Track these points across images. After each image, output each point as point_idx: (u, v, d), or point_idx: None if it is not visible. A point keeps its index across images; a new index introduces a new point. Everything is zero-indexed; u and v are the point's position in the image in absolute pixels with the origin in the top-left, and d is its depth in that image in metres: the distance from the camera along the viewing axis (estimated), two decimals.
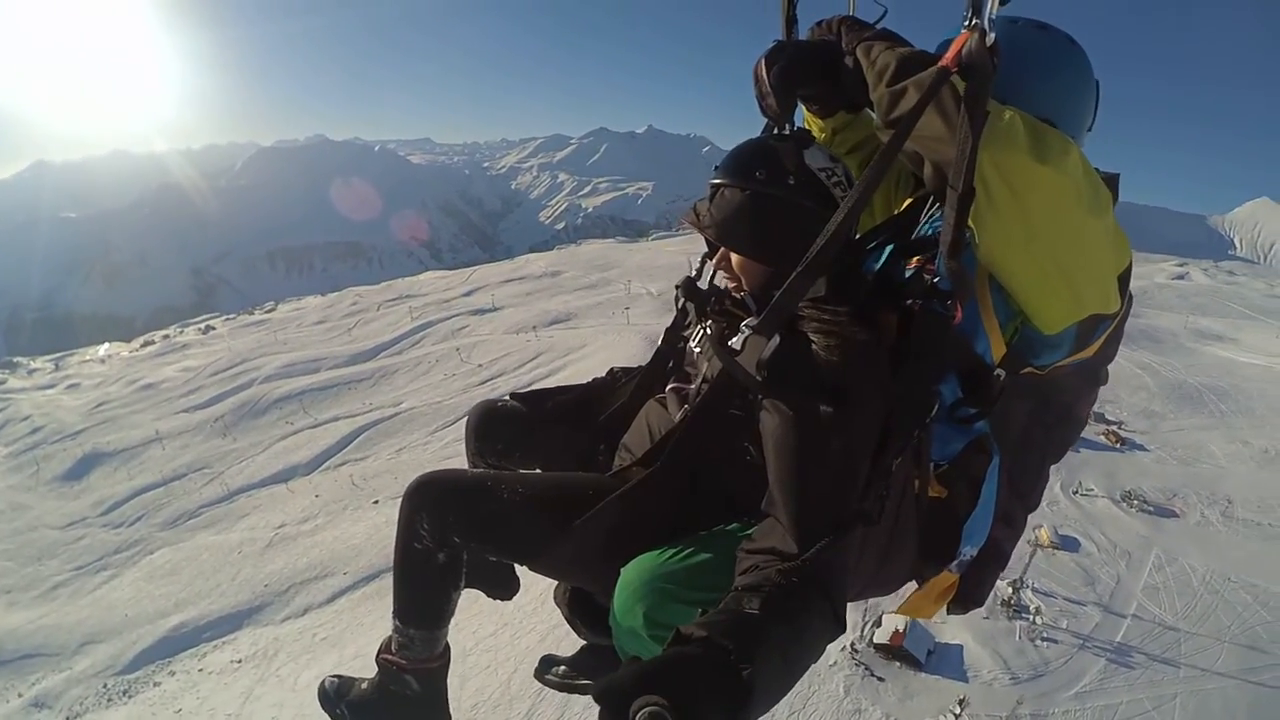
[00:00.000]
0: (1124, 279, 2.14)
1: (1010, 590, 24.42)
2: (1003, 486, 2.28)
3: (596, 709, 1.33)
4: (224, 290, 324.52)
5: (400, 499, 2.31)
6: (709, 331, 2.32)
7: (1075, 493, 30.59)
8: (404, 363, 29.33)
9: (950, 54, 1.85)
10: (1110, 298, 2.07)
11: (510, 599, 2.97)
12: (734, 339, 2.02)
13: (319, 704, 2.62)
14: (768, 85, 2.35)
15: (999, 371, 2.03)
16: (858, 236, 2.32)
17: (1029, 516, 2.58)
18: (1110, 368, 2.57)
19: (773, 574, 1.67)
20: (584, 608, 2.56)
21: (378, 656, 2.54)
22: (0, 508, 16.33)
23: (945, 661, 22.54)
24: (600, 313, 51.62)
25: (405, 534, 2.29)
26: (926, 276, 1.99)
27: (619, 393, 2.84)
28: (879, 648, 22.72)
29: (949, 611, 2.55)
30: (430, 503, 2.26)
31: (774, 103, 2.35)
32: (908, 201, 2.47)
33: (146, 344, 33.27)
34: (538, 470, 2.81)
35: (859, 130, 2.64)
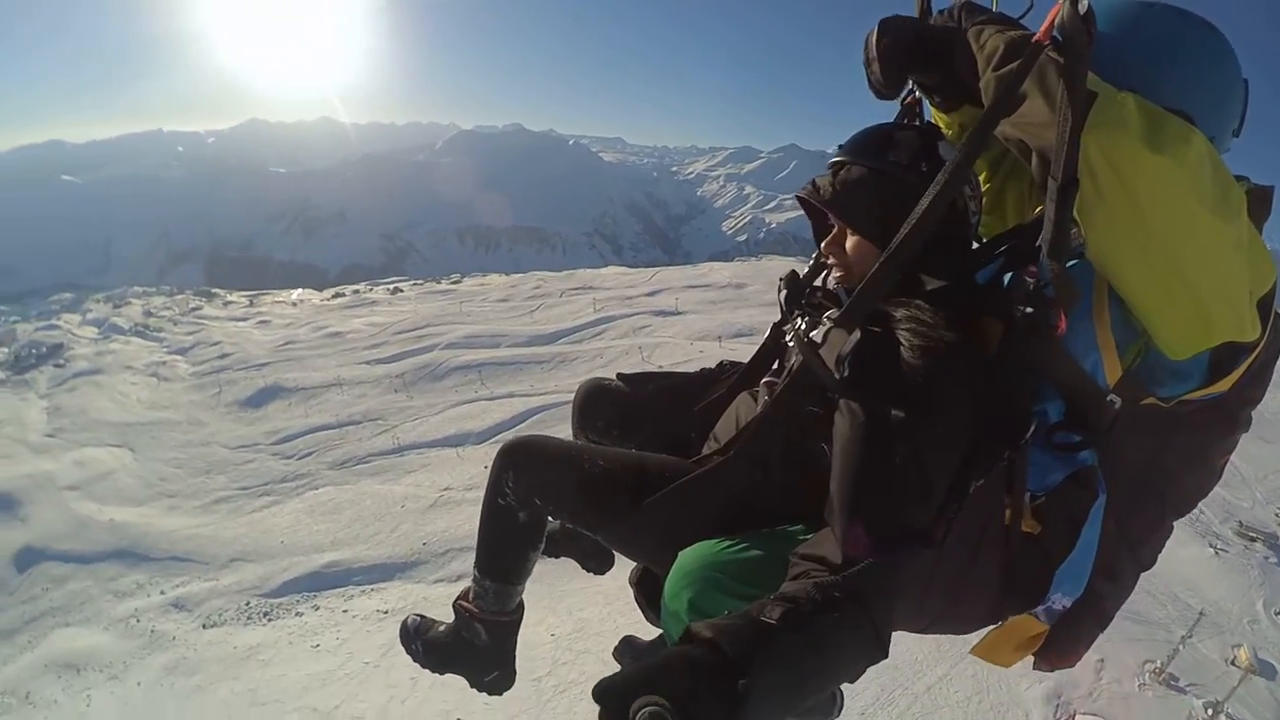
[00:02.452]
0: (1265, 304, 1.88)
1: (1207, 712, 22.48)
2: (1109, 532, 2.01)
3: None
4: (413, 256, 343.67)
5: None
6: (800, 325, 2.29)
7: (1277, 614, 27.63)
8: (584, 352, 29.10)
9: (1043, 27, 1.76)
10: (1245, 322, 1.82)
11: (603, 573, 3.14)
12: (815, 331, 2.02)
13: (399, 638, 2.81)
14: (874, 51, 2.25)
15: (1112, 397, 1.82)
16: (984, 241, 2.26)
17: (1143, 578, 2.32)
18: None
19: (809, 585, 1.65)
20: (652, 590, 2.50)
21: (455, 602, 2.69)
22: (178, 420, 16.94)
23: None
24: None
25: (492, 489, 2.43)
26: (1029, 280, 1.78)
27: (721, 384, 2.85)
28: None
29: (1034, 666, 2.30)
30: (518, 463, 2.38)
31: (878, 71, 2.25)
32: (1040, 207, 2.09)
33: (337, 295, 34.48)
34: (632, 450, 2.71)
35: None
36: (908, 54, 2.22)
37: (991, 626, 2.15)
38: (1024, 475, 1.84)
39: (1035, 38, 1.76)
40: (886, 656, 1.66)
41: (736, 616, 1.55)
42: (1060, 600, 2.00)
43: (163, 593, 10.31)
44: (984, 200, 2.46)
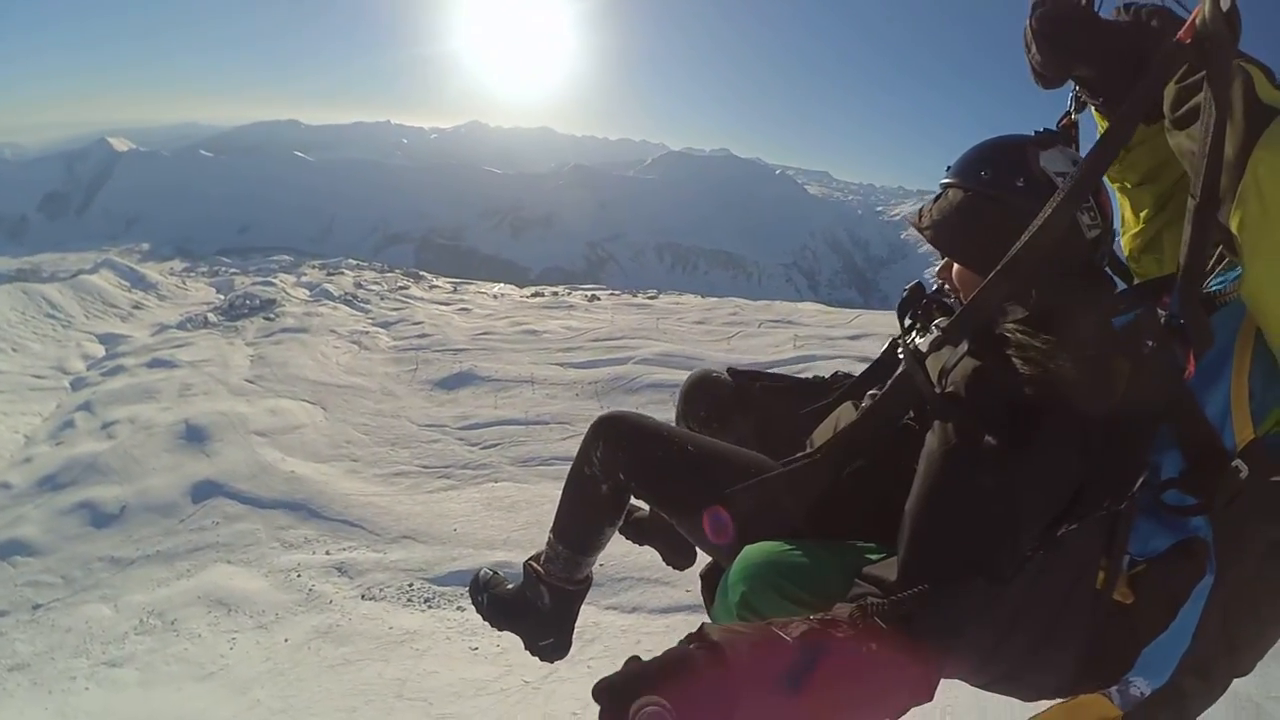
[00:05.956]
0: None
1: None
2: (1211, 622, 1.68)
3: None
4: (611, 266, 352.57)
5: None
6: (913, 334, 2.25)
7: None
8: None
9: (1184, 27, 1.59)
10: None
11: (684, 569, 3.07)
12: (922, 339, 1.92)
13: (469, 588, 2.86)
14: (1030, 35, 2.04)
15: (1238, 463, 1.54)
16: (1136, 285, 2.08)
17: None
18: None
19: (853, 609, 1.51)
20: (716, 585, 2.26)
21: (525, 562, 2.73)
22: (372, 388, 17.10)
23: None
24: None
25: (580, 458, 2.45)
26: (1160, 313, 1.63)
27: (829, 392, 2.71)
28: None
29: None
30: (609, 435, 2.38)
31: (1035, 52, 2.04)
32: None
33: (537, 294, 34.97)
34: (727, 443, 2.53)
35: (1155, 153, 2.05)
36: (1063, 32, 1.98)
37: (1058, 701, 1.89)
38: (1126, 535, 1.68)
39: (1176, 38, 1.59)
40: (930, 699, 1.53)
41: (751, 626, 1.45)
42: (1140, 685, 1.77)
43: (328, 553, 10.06)
44: (1142, 238, 2.20)
